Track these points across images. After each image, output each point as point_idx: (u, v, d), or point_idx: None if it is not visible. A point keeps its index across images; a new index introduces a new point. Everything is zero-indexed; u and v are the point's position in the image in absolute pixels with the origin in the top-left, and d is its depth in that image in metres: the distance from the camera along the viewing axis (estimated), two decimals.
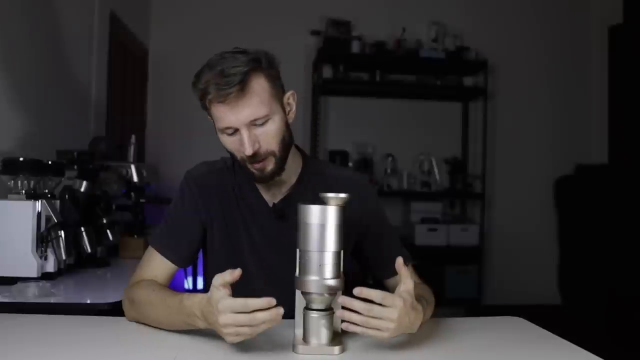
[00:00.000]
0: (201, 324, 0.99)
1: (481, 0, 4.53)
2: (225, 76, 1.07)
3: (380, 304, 0.96)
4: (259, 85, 1.11)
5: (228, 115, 1.10)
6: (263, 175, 1.17)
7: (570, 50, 4.62)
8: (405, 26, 4.24)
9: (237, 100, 1.09)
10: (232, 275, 0.94)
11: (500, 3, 4.55)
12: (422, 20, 4.32)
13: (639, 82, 3.85)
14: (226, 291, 0.94)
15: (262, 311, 0.91)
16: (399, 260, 1.02)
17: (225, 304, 0.92)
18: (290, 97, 1.20)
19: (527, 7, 4.57)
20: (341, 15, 4.22)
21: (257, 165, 1.15)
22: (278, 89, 1.16)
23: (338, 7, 4.26)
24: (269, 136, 1.13)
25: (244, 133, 1.11)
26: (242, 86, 1.08)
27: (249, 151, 1.11)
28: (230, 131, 1.12)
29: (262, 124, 1.12)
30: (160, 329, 1.12)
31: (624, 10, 4.04)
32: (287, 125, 1.18)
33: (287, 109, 1.20)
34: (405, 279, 1.01)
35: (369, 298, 0.96)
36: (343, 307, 0.96)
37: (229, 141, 1.15)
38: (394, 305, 0.96)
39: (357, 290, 0.95)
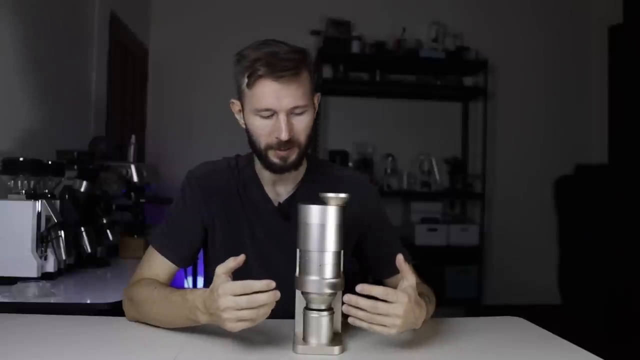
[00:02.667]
0: (203, 318, 0.99)
1: (481, 0, 4.53)
2: (280, 59, 1.09)
3: (383, 300, 0.96)
4: (305, 77, 1.14)
5: (274, 96, 1.10)
6: (285, 165, 1.16)
7: (570, 50, 4.62)
8: (405, 26, 4.24)
9: (288, 84, 1.10)
10: (235, 261, 0.96)
11: (500, 3, 4.55)
12: (422, 20, 4.32)
13: (639, 82, 3.85)
14: (228, 278, 0.95)
15: (261, 293, 0.92)
16: (400, 257, 1.02)
17: (225, 287, 0.93)
18: (316, 98, 1.22)
19: (527, 7, 4.57)
20: (341, 15, 4.22)
21: (282, 153, 1.15)
22: (313, 87, 1.18)
23: (338, 7, 4.26)
24: (301, 127, 1.15)
25: (283, 118, 1.11)
26: (297, 72, 1.10)
27: (285, 135, 1.11)
28: (267, 114, 1.12)
29: (300, 114, 1.14)
30: (161, 327, 1.12)
31: (624, 10, 4.04)
32: (313, 123, 1.20)
33: (315, 108, 1.22)
34: (408, 274, 1.01)
35: (372, 294, 0.96)
36: (349, 305, 0.96)
37: (261, 124, 1.14)
38: (399, 301, 0.96)
39: (359, 288, 0.95)
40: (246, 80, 1.12)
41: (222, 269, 0.96)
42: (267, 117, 1.13)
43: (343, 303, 0.97)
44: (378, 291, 0.96)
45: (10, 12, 2.07)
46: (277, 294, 0.92)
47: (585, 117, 4.62)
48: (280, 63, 1.08)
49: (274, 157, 1.16)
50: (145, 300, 1.13)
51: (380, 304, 0.96)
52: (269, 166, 1.18)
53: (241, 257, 0.96)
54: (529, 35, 4.56)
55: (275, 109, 1.11)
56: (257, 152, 1.19)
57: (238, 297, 0.92)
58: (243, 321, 0.93)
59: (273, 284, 0.92)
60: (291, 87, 1.10)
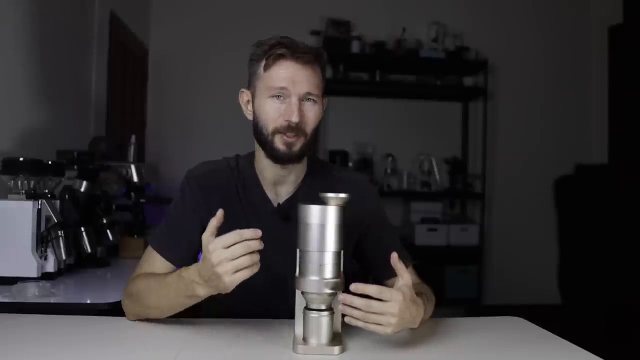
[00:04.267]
0: (201, 290, 1.00)
1: (481, 0, 4.53)
2: (299, 45, 1.14)
3: (378, 299, 0.96)
4: (320, 70, 1.18)
5: (291, 76, 1.13)
6: (289, 152, 1.16)
7: (570, 50, 4.62)
8: (405, 26, 4.24)
9: (306, 67, 1.14)
10: (216, 219, 0.97)
11: (500, 3, 4.55)
12: (422, 20, 4.32)
13: (639, 82, 3.85)
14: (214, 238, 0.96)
15: (252, 240, 0.93)
16: (394, 255, 1.02)
17: (214, 243, 0.94)
18: (325, 101, 1.23)
19: (527, 7, 4.57)
20: (341, 15, 4.22)
21: (288, 139, 1.15)
22: (324, 86, 1.21)
23: (338, 7, 4.26)
24: (310, 116, 1.16)
25: (295, 101, 1.13)
26: (315, 58, 1.15)
27: (295, 117, 1.13)
28: (281, 93, 1.14)
29: (310, 102, 1.16)
30: (161, 325, 1.12)
31: (624, 10, 4.05)
32: (320, 121, 1.21)
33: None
34: (403, 272, 1.01)
35: (365, 293, 0.96)
36: (344, 304, 0.96)
37: (272, 107, 1.15)
38: (393, 300, 0.96)
39: (353, 287, 0.96)
40: (264, 62, 1.15)
41: (208, 232, 0.97)
42: (281, 100, 1.15)
43: (353, 294, 0.97)
44: (372, 290, 0.96)
45: (10, 12, 2.07)
46: (261, 243, 0.94)
47: (585, 117, 4.62)
48: (300, 48, 1.13)
49: (280, 142, 1.16)
50: (142, 291, 1.14)
51: (374, 303, 0.96)
52: (274, 153, 1.17)
53: (220, 212, 0.97)
54: (529, 35, 4.56)
55: (290, 90, 1.14)
56: (263, 139, 1.18)
57: (231, 247, 0.93)
58: (240, 271, 0.94)
59: (260, 232, 0.94)
60: (308, 71, 1.14)
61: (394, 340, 1.04)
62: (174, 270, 1.24)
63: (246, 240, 0.93)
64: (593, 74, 4.59)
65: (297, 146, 1.16)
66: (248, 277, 0.94)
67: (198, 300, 1.03)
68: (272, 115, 1.15)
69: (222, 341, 1.04)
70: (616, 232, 3.94)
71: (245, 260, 0.93)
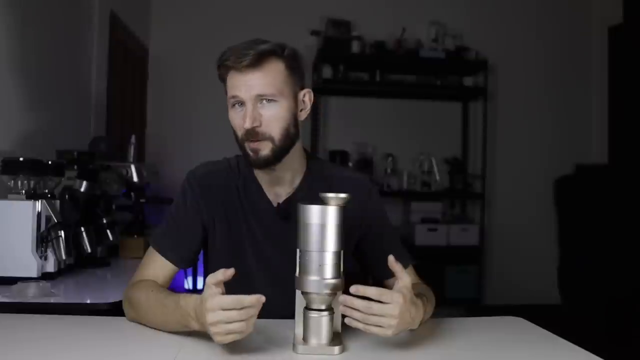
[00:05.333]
0: (195, 325, 0.99)
1: (481, 0, 4.53)
2: (246, 49, 1.12)
3: (378, 301, 0.96)
4: (275, 67, 1.15)
5: (239, 83, 1.13)
6: (257, 159, 1.16)
7: (570, 50, 4.62)
8: (405, 26, 4.24)
9: (250, 72, 1.12)
10: (224, 274, 0.94)
11: (500, 3, 4.55)
12: (422, 20, 4.32)
13: (639, 82, 3.85)
14: (218, 290, 0.94)
15: (251, 308, 0.92)
16: (391, 258, 1.01)
17: (213, 302, 0.92)
18: (305, 95, 1.22)
19: (527, 7, 4.57)
20: (341, 15, 4.22)
21: (252, 145, 1.15)
22: (295, 81, 1.19)
23: (338, 7, 4.26)
24: (271, 118, 1.15)
25: (249, 106, 1.13)
26: (258, 59, 1.12)
27: (248, 123, 1.12)
28: (234, 101, 1.15)
29: (268, 102, 1.14)
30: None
31: (624, 10, 4.05)
32: (294, 119, 1.19)
33: (301, 106, 1.21)
34: (401, 274, 1.00)
35: (366, 295, 0.96)
36: (344, 305, 0.96)
37: (235, 116, 1.16)
38: (394, 302, 0.96)
39: (353, 289, 0.96)
40: (219, 74, 1.18)
41: (212, 280, 0.94)
42: (239, 108, 1.15)
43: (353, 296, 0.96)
44: (372, 292, 0.96)
45: (10, 12, 2.07)
46: (262, 301, 0.92)
47: (585, 117, 4.62)
48: (245, 52, 1.11)
49: (248, 149, 1.17)
50: (141, 304, 1.14)
51: (374, 305, 0.96)
52: (247, 159, 1.19)
53: (231, 271, 0.94)
54: (529, 35, 4.55)
55: (242, 97, 1.14)
56: (239, 147, 1.20)
57: (228, 311, 0.91)
58: (232, 334, 0.93)
59: (263, 298, 0.92)
60: (257, 73, 1.12)
61: (394, 340, 1.04)
62: (178, 270, 1.25)
63: (245, 307, 0.91)
64: (593, 74, 4.59)
65: (265, 150, 1.16)
66: (239, 338, 0.94)
67: (192, 330, 1.03)
68: (236, 124, 1.17)
69: None
70: (616, 232, 3.94)
71: (239, 327, 0.92)
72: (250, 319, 0.92)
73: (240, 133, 1.16)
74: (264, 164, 1.17)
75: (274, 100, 1.14)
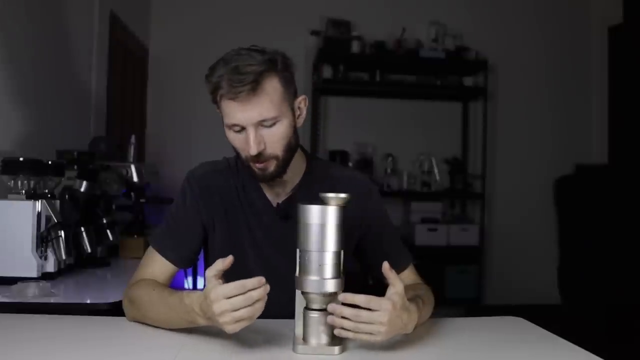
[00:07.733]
0: (201, 321, 0.99)
1: (481, 0, 4.53)
2: (239, 73, 1.07)
3: (367, 309, 0.96)
4: (272, 86, 1.10)
5: (237, 112, 1.10)
6: (265, 175, 1.17)
7: (570, 50, 4.62)
8: (405, 26, 4.24)
9: (248, 99, 1.08)
10: (223, 263, 0.95)
11: (500, 3, 4.55)
12: (422, 20, 4.32)
13: (639, 82, 3.85)
14: (219, 281, 0.94)
15: (255, 290, 0.92)
16: (386, 265, 1.01)
17: (216, 292, 0.92)
18: (301, 102, 1.20)
19: (527, 7, 4.57)
20: (341, 15, 4.22)
21: (259, 165, 1.15)
22: (290, 93, 1.16)
23: (338, 7, 4.26)
24: (275, 139, 1.13)
25: (251, 132, 1.10)
26: (255, 86, 1.07)
27: (253, 151, 1.11)
28: (237, 128, 1.12)
29: (270, 126, 1.12)
30: (160, 328, 1.12)
31: (624, 10, 4.04)
32: (294, 130, 1.18)
33: (297, 113, 1.19)
34: (394, 281, 1.00)
35: (354, 303, 0.96)
36: (333, 315, 0.96)
37: (235, 138, 1.14)
38: (382, 309, 0.96)
39: (341, 297, 0.96)
40: (212, 97, 1.14)
41: (212, 272, 0.95)
42: (239, 132, 1.13)
43: (342, 304, 0.97)
44: (360, 299, 0.96)
45: (10, 12, 2.07)
46: (267, 288, 0.93)
47: (585, 117, 4.62)
48: (239, 78, 1.06)
49: (254, 168, 1.16)
50: (144, 302, 1.13)
51: (363, 312, 0.95)
52: (253, 175, 1.18)
53: (229, 259, 0.95)
54: (529, 35, 4.55)
55: (242, 124, 1.11)
56: (242, 162, 1.19)
57: (233, 298, 0.92)
58: (241, 321, 0.93)
59: (264, 279, 0.93)
60: (253, 101, 1.08)
61: (394, 341, 1.04)
62: (178, 270, 1.25)
63: (249, 290, 0.92)
64: (593, 74, 4.59)
65: (271, 169, 1.16)
66: (250, 323, 0.94)
67: (199, 326, 1.03)
68: (238, 146, 1.15)
69: (222, 341, 1.04)
70: (616, 232, 3.93)
71: (246, 312, 0.92)
72: (256, 303, 0.92)
73: (243, 154, 1.15)
74: (270, 179, 1.18)
75: (275, 122, 1.12)
